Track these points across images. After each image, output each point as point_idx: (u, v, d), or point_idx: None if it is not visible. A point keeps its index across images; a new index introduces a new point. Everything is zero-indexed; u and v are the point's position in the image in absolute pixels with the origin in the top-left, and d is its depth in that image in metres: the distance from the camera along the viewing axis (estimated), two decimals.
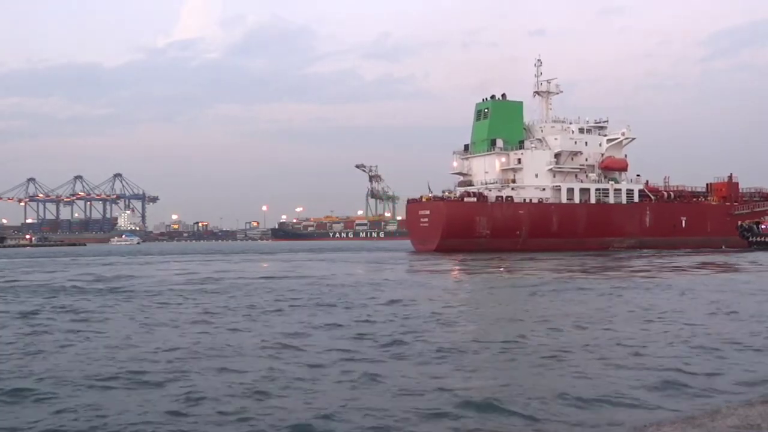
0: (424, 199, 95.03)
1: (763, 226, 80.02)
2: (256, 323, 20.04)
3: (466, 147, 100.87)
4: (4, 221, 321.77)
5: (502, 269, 47.93)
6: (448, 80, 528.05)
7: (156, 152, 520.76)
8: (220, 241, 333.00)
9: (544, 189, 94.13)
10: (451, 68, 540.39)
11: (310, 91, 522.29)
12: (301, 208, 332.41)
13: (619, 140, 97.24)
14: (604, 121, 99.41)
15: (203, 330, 18.63)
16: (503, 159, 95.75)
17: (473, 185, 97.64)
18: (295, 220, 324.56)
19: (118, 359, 14.52)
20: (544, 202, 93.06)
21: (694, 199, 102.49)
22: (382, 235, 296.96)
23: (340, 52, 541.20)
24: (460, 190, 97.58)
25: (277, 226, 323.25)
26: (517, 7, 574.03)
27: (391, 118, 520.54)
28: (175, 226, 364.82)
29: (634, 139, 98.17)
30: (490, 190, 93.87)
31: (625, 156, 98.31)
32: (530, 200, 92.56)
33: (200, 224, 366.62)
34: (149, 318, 21.60)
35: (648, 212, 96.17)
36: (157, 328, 19.27)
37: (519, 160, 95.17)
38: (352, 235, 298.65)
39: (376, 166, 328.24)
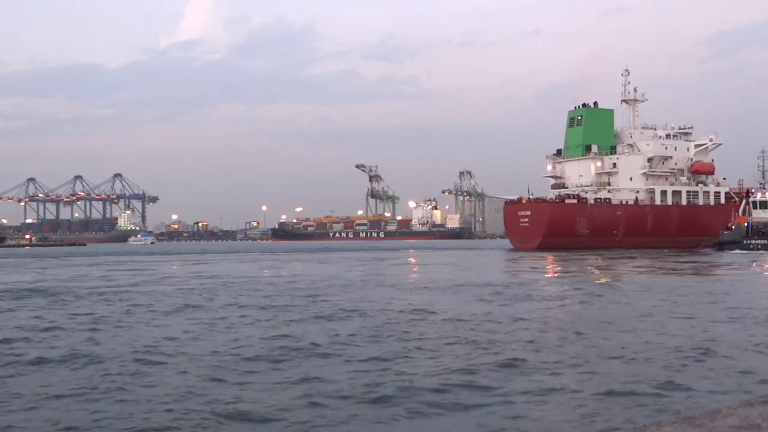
0: (523, 201, 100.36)
1: None
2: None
3: (559, 151, 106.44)
4: (4, 221, 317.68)
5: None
6: (450, 80, 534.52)
7: (156, 152, 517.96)
8: (220, 241, 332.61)
9: (637, 191, 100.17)
10: (452, 68, 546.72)
11: (311, 91, 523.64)
12: (301, 208, 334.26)
13: (706, 146, 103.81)
14: (689, 128, 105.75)
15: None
16: (598, 163, 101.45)
17: (566, 188, 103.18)
18: (295, 220, 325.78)
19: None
20: (640, 203, 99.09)
21: None
22: (382, 235, 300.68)
23: (342, 52, 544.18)
24: (554, 192, 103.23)
25: (277, 226, 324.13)
26: (516, 8, 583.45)
27: (393, 119, 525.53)
28: (175, 226, 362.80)
29: (720, 144, 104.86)
30: (586, 193, 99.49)
31: (712, 160, 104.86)
32: (626, 202, 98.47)
33: (200, 224, 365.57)
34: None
35: (734, 213, 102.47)
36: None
37: (614, 165, 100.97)
38: (352, 235, 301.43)
39: (376, 166, 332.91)
